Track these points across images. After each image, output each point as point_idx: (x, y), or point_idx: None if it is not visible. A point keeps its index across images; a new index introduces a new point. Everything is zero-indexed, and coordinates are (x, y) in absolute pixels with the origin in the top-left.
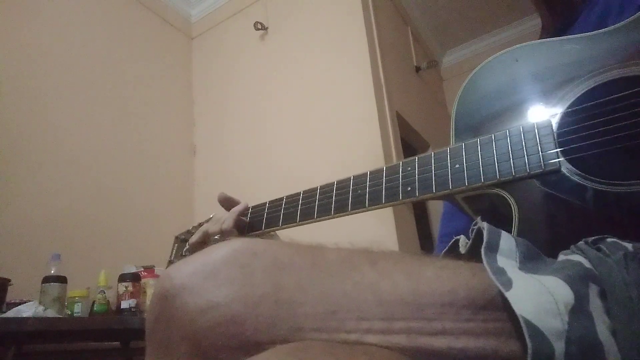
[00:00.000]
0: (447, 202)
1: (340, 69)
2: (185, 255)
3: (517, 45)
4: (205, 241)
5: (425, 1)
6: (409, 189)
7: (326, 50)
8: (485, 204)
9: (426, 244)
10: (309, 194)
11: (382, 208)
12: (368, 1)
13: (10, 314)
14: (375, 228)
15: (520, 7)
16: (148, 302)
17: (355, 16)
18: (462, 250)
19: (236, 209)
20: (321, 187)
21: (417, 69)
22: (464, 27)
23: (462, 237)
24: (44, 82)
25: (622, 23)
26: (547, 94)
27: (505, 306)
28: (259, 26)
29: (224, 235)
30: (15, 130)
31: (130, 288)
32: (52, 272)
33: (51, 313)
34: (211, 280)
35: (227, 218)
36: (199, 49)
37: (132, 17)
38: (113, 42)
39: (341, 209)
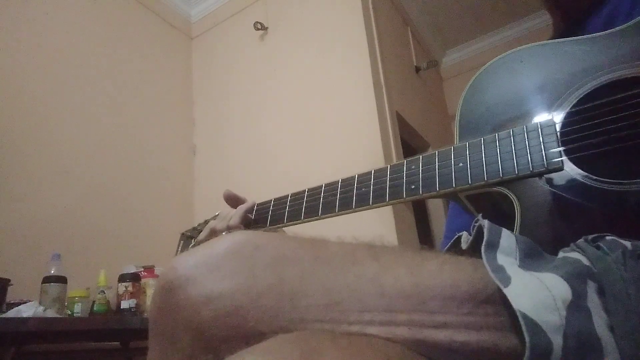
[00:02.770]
0: (451, 201)
1: (340, 69)
2: None
3: (522, 46)
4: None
5: (425, 1)
6: (413, 187)
7: (326, 50)
8: (488, 203)
9: (426, 243)
10: (314, 191)
11: (386, 206)
12: (368, 1)
13: (10, 314)
14: (375, 227)
15: (520, 7)
16: (148, 302)
17: (355, 16)
18: (464, 246)
19: (243, 207)
20: (326, 185)
21: (417, 69)
22: (464, 27)
23: (464, 234)
24: (43, 82)
25: (627, 24)
26: (552, 95)
27: (505, 301)
28: (259, 26)
29: (231, 232)
30: (15, 130)
31: (130, 288)
32: (52, 272)
33: (51, 313)
34: (215, 272)
35: (234, 215)
36: (199, 49)
37: (132, 17)
38: (113, 42)
39: (345, 206)
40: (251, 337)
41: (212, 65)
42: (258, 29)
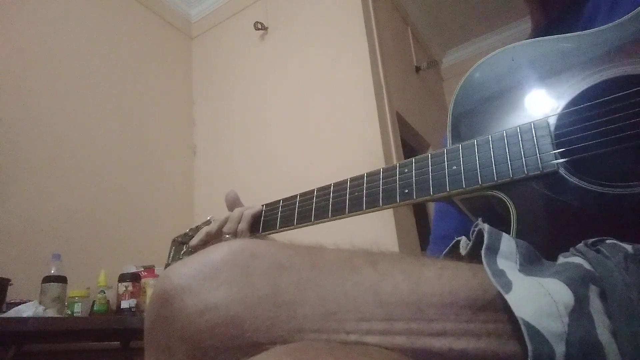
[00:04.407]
0: (440, 202)
1: (340, 69)
2: (183, 258)
3: (513, 44)
4: (208, 241)
5: (425, 1)
6: (406, 191)
7: (326, 50)
8: (483, 206)
9: (426, 244)
10: (306, 196)
11: (379, 210)
12: (368, 1)
13: (10, 314)
14: (376, 228)
15: (520, 7)
16: (148, 302)
17: (355, 16)
18: (463, 251)
19: (252, 211)
20: (318, 190)
21: (417, 69)
22: (464, 27)
23: (463, 239)
24: (43, 82)
25: (618, 21)
26: (544, 93)
27: (505, 308)
28: (259, 26)
29: (238, 235)
30: (15, 130)
31: (130, 288)
32: (52, 272)
33: (51, 313)
34: (210, 282)
35: (243, 218)
36: (199, 49)
37: (132, 17)
38: (113, 42)
39: (339, 212)
40: (248, 347)
41: (212, 65)
42: (258, 29)
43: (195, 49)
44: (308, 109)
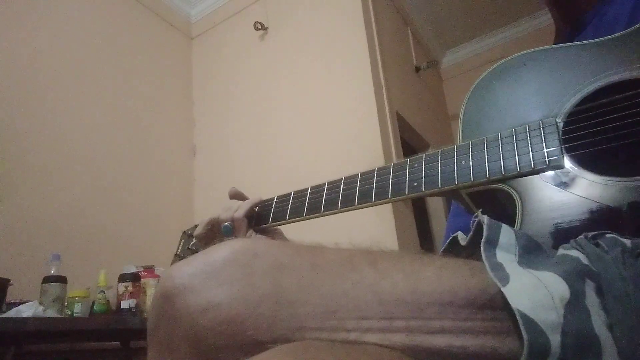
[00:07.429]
0: (453, 200)
1: (340, 69)
2: (192, 249)
3: (526, 51)
4: (212, 229)
5: (425, 1)
6: (415, 184)
7: (326, 50)
8: (490, 200)
9: (426, 242)
10: (317, 189)
11: (388, 202)
12: (368, 1)
13: (10, 314)
14: (375, 226)
15: (520, 7)
16: (148, 302)
17: (355, 16)
18: (463, 242)
19: (251, 200)
20: (329, 183)
21: (417, 69)
22: (464, 27)
23: (459, 234)
24: (43, 82)
25: (629, 30)
26: (555, 96)
27: (503, 304)
28: (259, 26)
29: (235, 222)
30: (15, 130)
31: (130, 288)
32: (52, 272)
33: (51, 313)
34: (212, 280)
35: (240, 206)
36: (199, 49)
37: (132, 17)
38: (113, 42)
39: (348, 203)
40: (249, 346)
41: (212, 65)
42: (258, 29)
43: (195, 48)
44: (308, 109)
